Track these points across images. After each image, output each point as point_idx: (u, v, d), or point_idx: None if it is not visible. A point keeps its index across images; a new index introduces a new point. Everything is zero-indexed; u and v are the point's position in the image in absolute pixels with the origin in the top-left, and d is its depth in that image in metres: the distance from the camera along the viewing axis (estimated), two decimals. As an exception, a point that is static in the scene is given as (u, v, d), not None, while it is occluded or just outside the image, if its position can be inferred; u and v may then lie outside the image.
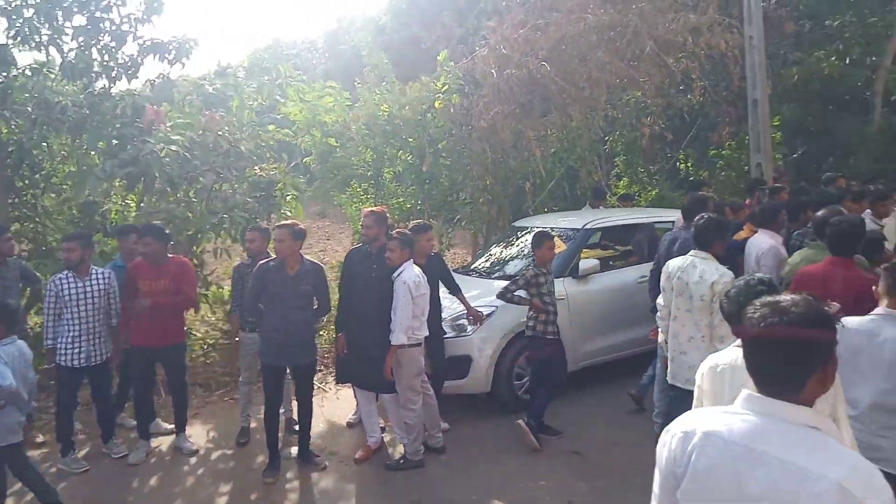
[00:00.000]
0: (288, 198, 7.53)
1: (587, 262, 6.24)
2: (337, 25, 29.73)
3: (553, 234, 5.56)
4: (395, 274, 4.73)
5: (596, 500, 4.26)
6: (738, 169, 11.75)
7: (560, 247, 5.87)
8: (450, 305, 5.74)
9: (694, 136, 13.59)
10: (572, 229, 6.58)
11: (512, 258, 6.85)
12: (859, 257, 3.82)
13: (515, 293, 5.13)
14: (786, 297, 1.48)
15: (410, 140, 7.69)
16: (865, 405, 3.00)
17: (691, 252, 4.06)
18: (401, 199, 8.14)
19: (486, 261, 7.12)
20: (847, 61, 13.18)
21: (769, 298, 1.50)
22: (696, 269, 3.93)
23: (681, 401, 3.67)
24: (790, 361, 1.43)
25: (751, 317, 1.47)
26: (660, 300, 4.42)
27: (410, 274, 4.70)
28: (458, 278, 5.93)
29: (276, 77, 7.73)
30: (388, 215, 5.36)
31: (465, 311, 5.57)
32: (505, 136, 7.61)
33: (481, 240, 9.35)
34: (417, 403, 4.79)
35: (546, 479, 4.56)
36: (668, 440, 1.57)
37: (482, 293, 5.93)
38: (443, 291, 5.55)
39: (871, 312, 3.03)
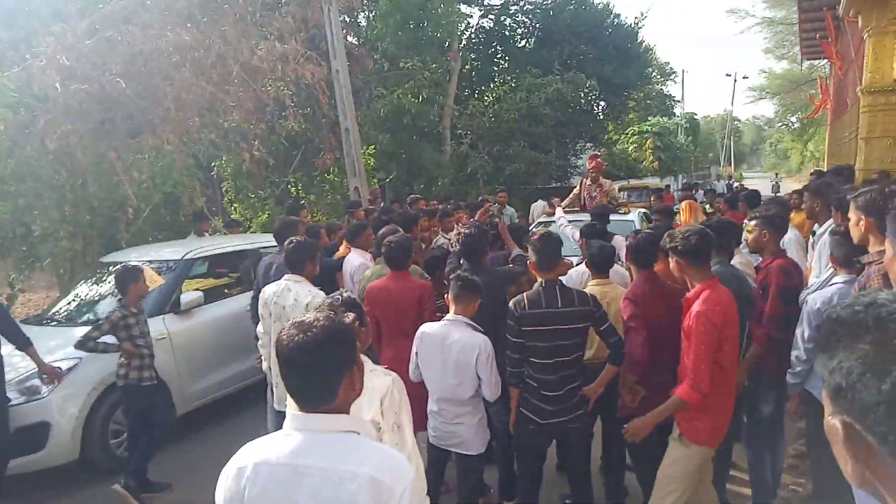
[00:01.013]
0: None
1: (189, 294, 5.84)
2: None
3: (146, 267, 5.04)
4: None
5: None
6: (342, 192, 12.70)
7: (156, 281, 5.35)
8: (18, 364, 4.72)
9: (302, 161, 14.21)
10: (171, 261, 6.10)
11: (101, 299, 5.99)
12: (416, 268, 4.39)
13: (99, 340, 4.46)
14: (309, 315, 1.56)
15: (-56, 163, 6.07)
16: (440, 399, 3.44)
17: (285, 276, 4.08)
18: (-62, 239, 6.38)
19: (69, 305, 6.09)
20: (420, 99, 15.52)
21: (297, 319, 1.54)
22: (290, 293, 3.96)
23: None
24: (319, 373, 1.50)
25: (280, 339, 1.49)
26: (259, 328, 4.35)
27: (-60, 334, 3.66)
28: (31, 329, 4.91)
29: None
30: None
31: (37, 369, 4.63)
32: (84, 158, 6.61)
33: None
34: (-36, 499, 3.75)
35: (151, 544, 4.04)
36: (224, 479, 1.54)
37: (61, 344, 5.04)
38: (7, 348, 4.54)
39: (444, 318, 3.48)
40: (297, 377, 1.51)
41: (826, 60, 19.36)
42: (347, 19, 16.28)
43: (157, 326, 5.29)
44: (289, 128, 9.96)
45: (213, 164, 11.94)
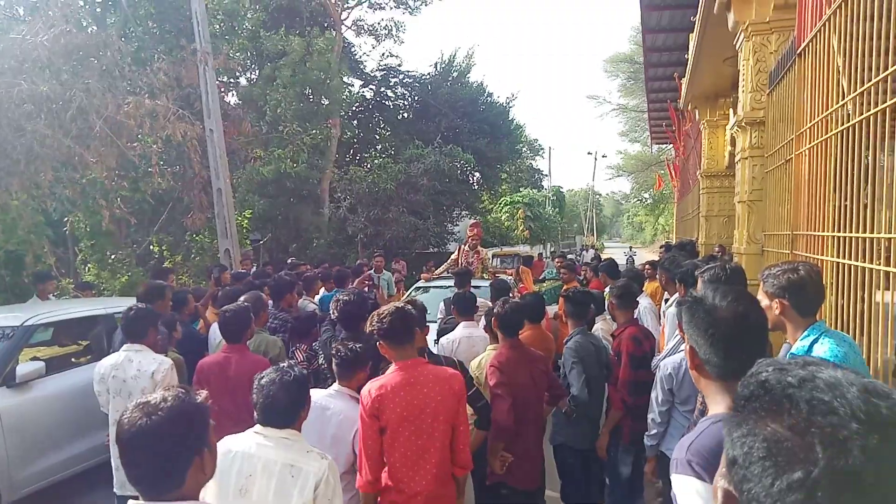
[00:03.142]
0: None
1: (28, 365, 5.22)
2: None
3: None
4: None
5: None
6: (211, 254, 12.15)
7: (-13, 351, 4.77)
8: None
9: (169, 220, 13.49)
10: (8, 327, 5.46)
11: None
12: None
13: None
14: (156, 395, 1.47)
15: None
16: None
17: (124, 347, 3.76)
18: None
19: None
20: (300, 163, 15.46)
21: (142, 399, 1.45)
22: (132, 364, 3.65)
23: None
24: (164, 459, 1.40)
25: (121, 423, 1.39)
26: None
27: None
28: None
29: None
30: None
31: None
32: None
33: None
34: None
35: None
36: None
37: None
38: None
39: (329, 388, 3.35)
40: (140, 464, 1.40)
41: (671, 145, 21.72)
42: (228, 79, 16.10)
43: (-15, 402, 4.68)
44: (154, 185, 9.45)
45: (65, 220, 11.02)
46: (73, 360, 6.12)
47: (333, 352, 3.38)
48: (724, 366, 1.50)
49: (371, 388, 2.83)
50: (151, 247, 12.53)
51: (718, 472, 0.80)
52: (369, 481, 2.81)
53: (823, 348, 2.23)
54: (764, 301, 2.37)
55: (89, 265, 11.71)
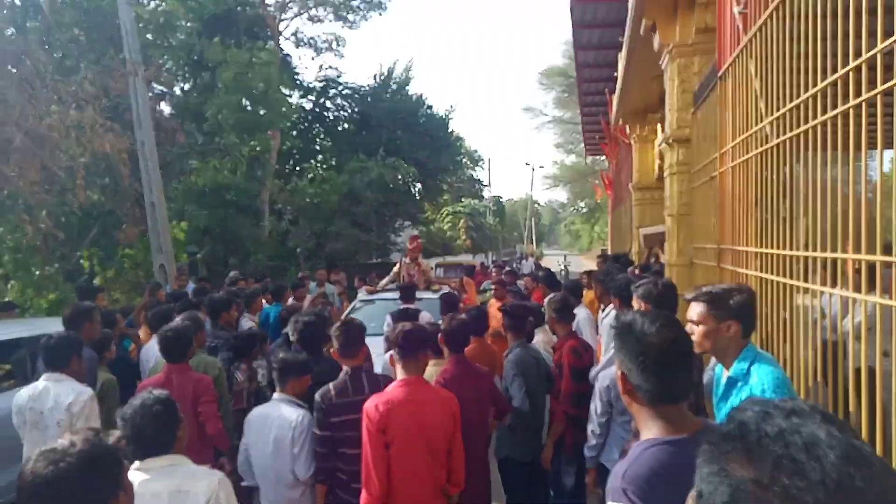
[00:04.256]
0: None
1: (-58, 393, 4.91)
2: None
3: None
4: None
5: None
6: (145, 268, 11.70)
7: None
8: None
9: (102, 233, 12.93)
10: (-80, 353, 5.12)
11: None
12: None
13: None
14: (63, 440, 1.39)
15: None
16: (268, 489, 3.23)
17: (44, 376, 3.54)
18: None
19: None
20: (238, 174, 15.12)
21: (46, 447, 1.37)
22: (49, 395, 3.43)
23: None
24: None
25: (23, 473, 1.32)
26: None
27: None
28: None
29: None
30: None
31: None
32: None
33: None
34: None
35: None
36: None
37: None
38: None
39: (272, 399, 3.35)
40: None
41: (605, 157, 22.39)
42: (162, 89, 15.59)
43: None
44: (80, 199, 9.00)
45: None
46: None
47: (272, 361, 3.37)
48: (654, 391, 1.53)
49: (377, 402, 2.84)
50: (82, 261, 11.95)
51: (689, 496, 0.80)
52: (377, 496, 2.78)
53: (763, 372, 2.27)
54: (710, 324, 2.35)
55: (12, 283, 11.07)
